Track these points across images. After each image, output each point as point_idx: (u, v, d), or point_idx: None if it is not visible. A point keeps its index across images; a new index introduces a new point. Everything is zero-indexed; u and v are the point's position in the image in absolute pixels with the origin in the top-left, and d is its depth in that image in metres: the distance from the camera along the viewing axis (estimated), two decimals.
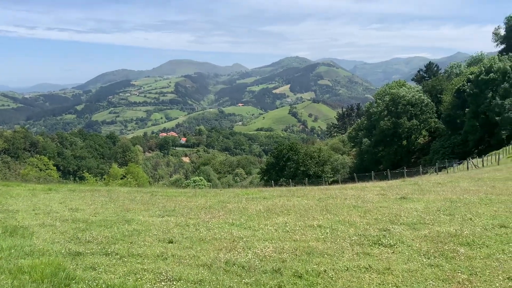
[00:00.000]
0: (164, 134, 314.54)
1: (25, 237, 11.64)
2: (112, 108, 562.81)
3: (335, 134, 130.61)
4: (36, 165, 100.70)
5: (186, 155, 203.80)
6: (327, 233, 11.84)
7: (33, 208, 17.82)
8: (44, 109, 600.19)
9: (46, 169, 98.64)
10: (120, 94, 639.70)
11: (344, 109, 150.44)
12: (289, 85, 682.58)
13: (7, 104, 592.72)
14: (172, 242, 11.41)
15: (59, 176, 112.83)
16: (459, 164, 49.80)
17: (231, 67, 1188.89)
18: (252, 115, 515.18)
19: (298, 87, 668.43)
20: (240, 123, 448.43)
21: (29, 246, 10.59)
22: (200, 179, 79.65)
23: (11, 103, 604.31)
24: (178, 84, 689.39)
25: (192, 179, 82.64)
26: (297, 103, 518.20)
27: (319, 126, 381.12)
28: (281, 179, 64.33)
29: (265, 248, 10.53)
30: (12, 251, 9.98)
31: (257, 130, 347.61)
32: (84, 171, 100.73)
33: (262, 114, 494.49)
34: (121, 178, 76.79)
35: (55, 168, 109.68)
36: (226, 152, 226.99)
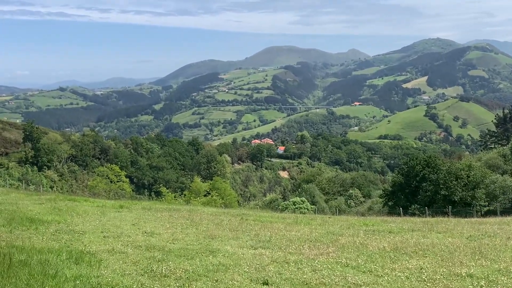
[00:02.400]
0: (258, 141, 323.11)
1: (92, 265, 12.61)
2: (196, 108, 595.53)
3: (493, 146, 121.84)
4: (107, 175, 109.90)
5: (284, 169, 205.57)
6: (481, 287, 11.30)
7: (101, 229, 19.34)
8: (117, 109, 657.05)
9: (118, 181, 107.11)
10: (206, 90, 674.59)
11: (506, 111, 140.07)
12: (425, 77, 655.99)
13: (76, 103, 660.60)
14: (267, 284, 11.47)
15: (132, 190, 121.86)
16: None
17: (346, 54, 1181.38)
18: (373, 117, 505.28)
19: (438, 79, 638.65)
20: (356, 128, 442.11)
21: (96, 277, 11.43)
22: (302, 201, 79.86)
23: (80, 101, 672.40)
24: (277, 78, 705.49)
25: (291, 200, 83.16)
26: (437, 102, 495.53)
27: (468, 134, 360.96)
28: (413, 206, 61.78)
29: None
30: (77, 282, 10.86)
31: (380, 138, 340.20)
32: (161, 185, 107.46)
33: (387, 116, 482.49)
34: (205, 195, 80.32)
35: (127, 180, 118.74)
36: (337, 167, 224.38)
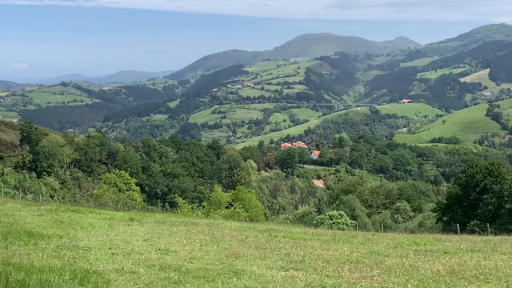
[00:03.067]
0: (288, 144, 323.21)
1: (98, 287, 12.79)
2: (217, 106, 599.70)
3: None
4: (114, 183, 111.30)
5: (319, 177, 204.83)
6: None
7: (109, 245, 19.61)
8: (127, 107, 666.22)
9: (127, 190, 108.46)
10: (228, 85, 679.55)
11: None
12: (487, 70, 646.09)
13: (80, 99, 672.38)
14: None
15: (143, 201, 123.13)
16: None
17: (392, 42, 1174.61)
18: (425, 117, 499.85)
19: (503, 73, 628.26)
20: (405, 129, 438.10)
21: None
22: (340, 215, 79.51)
23: (85, 98, 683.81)
24: (310, 71, 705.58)
25: (327, 213, 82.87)
26: (501, 99, 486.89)
27: None
28: (472, 222, 60.89)
29: None
30: None
31: (433, 141, 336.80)
32: (176, 195, 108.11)
33: (441, 116, 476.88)
34: (227, 207, 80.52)
35: (138, 189, 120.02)
36: (381, 175, 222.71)
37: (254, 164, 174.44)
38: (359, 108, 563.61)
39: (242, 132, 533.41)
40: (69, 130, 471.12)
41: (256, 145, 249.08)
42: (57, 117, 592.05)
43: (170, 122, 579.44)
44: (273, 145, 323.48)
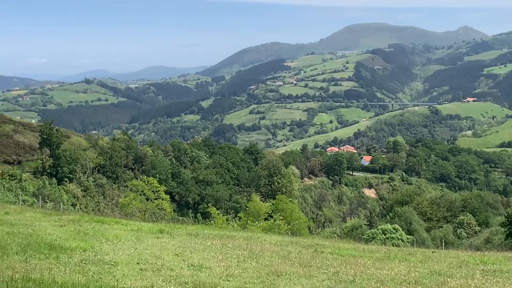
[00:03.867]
0: (335, 148, 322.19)
1: None
2: (255, 105, 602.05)
3: None
4: (142, 191, 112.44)
5: (370, 186, 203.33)
6: None
7: (137, 260, 19.84)
8: (155, 106, 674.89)
9: (156, 199, 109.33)
10: (268, 82, 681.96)
11: None
12: None
13: (104, 98, 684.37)
14: None
15: (173, 211, 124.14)
16: None
17: (455, 33, 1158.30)
18: (492, 118, 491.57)
19: None
20: (469, 132, 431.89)
21: None
22: (394, 229, 78.77)
23: (110, 97, 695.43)
24: (361, 65, 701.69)
25: (380, 227, 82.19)
26: None
27: None
28: None
29: None
30: None
31: (502, 145, 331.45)
32: (209, 204, 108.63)
33: (511, 116, 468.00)
34: (266, 219, 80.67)
35: (167, 197, 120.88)
36: (442, 184, 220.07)
37: (297, 171, 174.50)
38: (416, 107, 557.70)
39: (283, 135, 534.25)
40: (93, 132, 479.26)
41: (299, 149, 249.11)
42: (79, 118, 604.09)
43: (203, 123, 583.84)
44: (318, 149, 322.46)
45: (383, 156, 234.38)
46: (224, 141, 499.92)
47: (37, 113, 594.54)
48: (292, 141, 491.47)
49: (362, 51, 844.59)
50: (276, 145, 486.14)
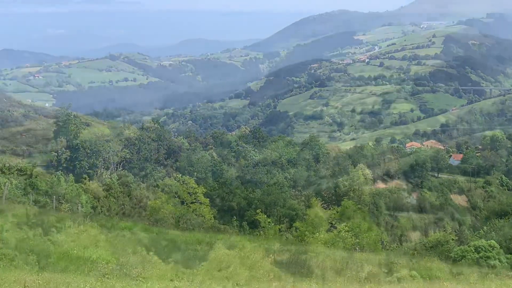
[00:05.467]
0: (417, 144, 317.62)
1: None
2: (317, 89, 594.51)
3: None
4: (176, 192, 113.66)
5: (460, 191, 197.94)
6: None
7: (170, 275, 20.20)
8: (194, 88, 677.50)
9: (192, 202, 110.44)
10: (333, 60, 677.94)
11: None
12: None
13: (132, 78, 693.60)
14: None
15: (214, 217, 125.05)
16: None
17: None
18: None
19: None
20: None
21: None
22: (491, 247, 77.66)
23: (139, 76, 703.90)
24: (451, 40, 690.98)
25: (473, 243, 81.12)
26: None
27: None
28: None
29: None
30: None
31: None
32: (258, 211, 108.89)
33: None
34: (328, 230, 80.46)
35: (207, 200, 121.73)
36: None
37: (368, 171, 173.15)
38: None
39: (352, 126, 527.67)
40: (118, 118, 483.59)
41: (371, 144, 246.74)
42: (102, 102, 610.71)
43: (252, 109, 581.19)
44: (396, 144, 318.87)
45: (478, 154, 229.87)
46: (278, 133, 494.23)
47: (51, 95, 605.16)
48: (362, 133, 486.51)
49: (453, 22, 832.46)
50: (343, 138, 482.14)
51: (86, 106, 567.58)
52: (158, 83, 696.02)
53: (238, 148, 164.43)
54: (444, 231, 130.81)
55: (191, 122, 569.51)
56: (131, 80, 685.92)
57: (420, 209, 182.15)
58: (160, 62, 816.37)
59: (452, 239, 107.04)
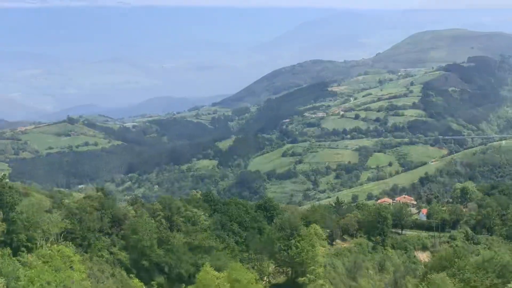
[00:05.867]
0: (388, 200, 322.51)
1: None
2: (289, 146, 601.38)
3: None
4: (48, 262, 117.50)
5: (424, 247, 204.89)
6: None
7: None
8: (159, 150, 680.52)
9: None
10: (306, 115, 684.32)
11: None
12: None
13: (93, 142, 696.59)
14: None
15: (161, 286, 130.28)
16: None
17: None
18: None
19: None
20: None
21: None
22: None
23: (100, 140, 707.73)
24: (430, 87, 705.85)
25: None
26: None
27: None
28: None
29: None
30: None
31: None
32: None
33: None
34: None
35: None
36: None
37: (321, 231, 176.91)
38: (504, 142, 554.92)
39: (328, 183, 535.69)
40: (80, 186, 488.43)
41: (332, 202, 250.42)
42: (62, 169, 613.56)
43: (222, 170, 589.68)
44: (372, 201, 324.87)
45: (443, 208, 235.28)
46: (250, 193, 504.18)
47: (7, 164, 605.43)
48: (339, 191, 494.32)
49: (433, 68, 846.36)
50: (318, 196, 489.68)
51: (45, 174, 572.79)
52: (121, 146, 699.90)
53: (187, 213, 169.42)
54: None
55: (157, 186, 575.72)
56: (92, 145, 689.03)
57: (380, 268, 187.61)
58: (123, 123, 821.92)
59: None
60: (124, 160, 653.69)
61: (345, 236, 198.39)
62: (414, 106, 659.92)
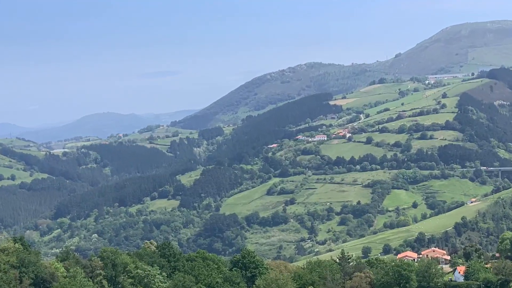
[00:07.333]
0: (412, 254, 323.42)
1: None
2: (277, 180, 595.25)
3: None
4: None
5: None
6: None
7: None
8: (100, 186, 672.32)
9: None
10: (298, 137, 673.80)
11: None
12: None
13: (9, 175, 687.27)
14: None
15: None
16: None
17: None
18: None
19: None
20: None
21: None
22: None
23: (19, 172, 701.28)
24: (469, 100, 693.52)
25: None
26: None
27: None
28: None
29: None
30: None
31: None
32: None
33: None
34: None
35: None
36: None
37: None
38: None
39: (329, 231, 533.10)
40: None
41: (335, 257, 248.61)
42: None
43: (185, 214, 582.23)
44: (390, 255, 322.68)
45: (487, 266, 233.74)
46: (223, 245, 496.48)
47: None
48: (344, 241, 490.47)
49: (472, 74, 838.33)
50: (316, 249, 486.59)
51: None
52: (48, 181, 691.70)
53: (137, 272, 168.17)
54: None
55: (96, 235, 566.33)
56: (8, 178, 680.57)
57: None
58: (49, 150, 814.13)
59: None
60: (52, 199, 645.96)
61: None
62: (447, 125, 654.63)
